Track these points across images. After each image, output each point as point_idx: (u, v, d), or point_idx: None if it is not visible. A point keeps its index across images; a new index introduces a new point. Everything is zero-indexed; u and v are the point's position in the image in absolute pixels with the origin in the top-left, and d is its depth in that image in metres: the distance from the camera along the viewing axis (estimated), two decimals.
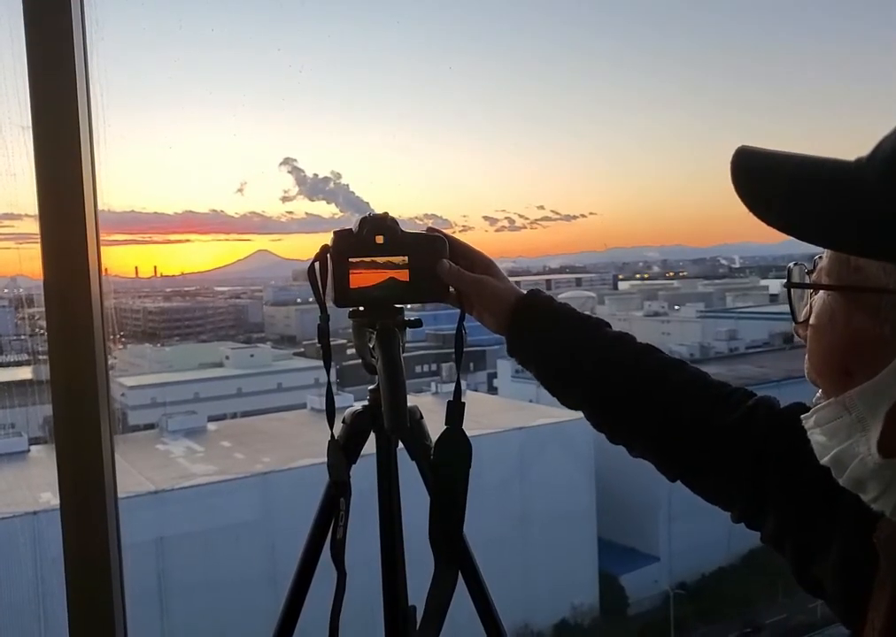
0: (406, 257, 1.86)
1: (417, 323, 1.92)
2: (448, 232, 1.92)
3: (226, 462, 23.52)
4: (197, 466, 23.15)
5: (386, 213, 1.87)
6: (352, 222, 1.89)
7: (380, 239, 1.85)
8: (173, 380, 36.41)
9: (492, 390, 39.33)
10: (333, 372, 1.88)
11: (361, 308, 1.90)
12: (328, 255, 1.86)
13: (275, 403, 35.30)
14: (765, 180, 1.18)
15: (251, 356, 45.47)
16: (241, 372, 41.35)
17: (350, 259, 1.85)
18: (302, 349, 55.02)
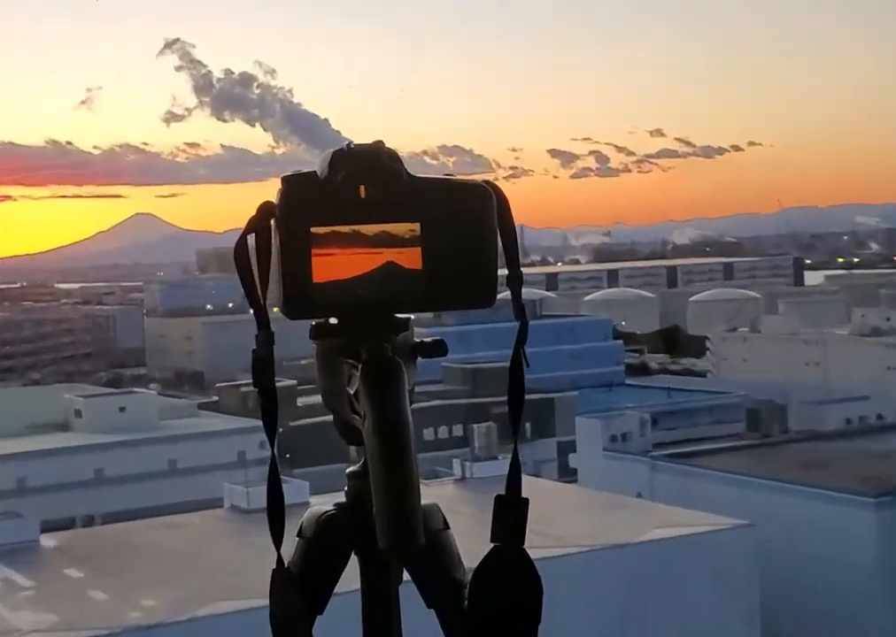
0: (418, 226, 1.48)
1: (436, 349, 1.55)
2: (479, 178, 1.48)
3: (74, 607, 17.76)
4: (21, 615, 17.41)
5: (380, 143, 1.47)
6: (314, 161, 1.49)
7: (368, 190, 1.46)
8: None
9: (567, 473, 30.51)
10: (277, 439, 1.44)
11: (333, 319, 1.53)
12: (274, 222, 1.48)
13: (167, 497, 27.18)
14: None
15: (122, 410, 33.88)
16: (103, 439, 30.80)
17: (313, 230, 1.47)
18: (214, 398, 44.48)
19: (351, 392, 1.53)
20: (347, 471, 1.67)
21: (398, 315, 1.57)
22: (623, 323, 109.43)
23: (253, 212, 1.52)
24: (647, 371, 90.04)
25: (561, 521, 19.87)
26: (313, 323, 1.58)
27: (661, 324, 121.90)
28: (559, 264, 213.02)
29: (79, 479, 29.40)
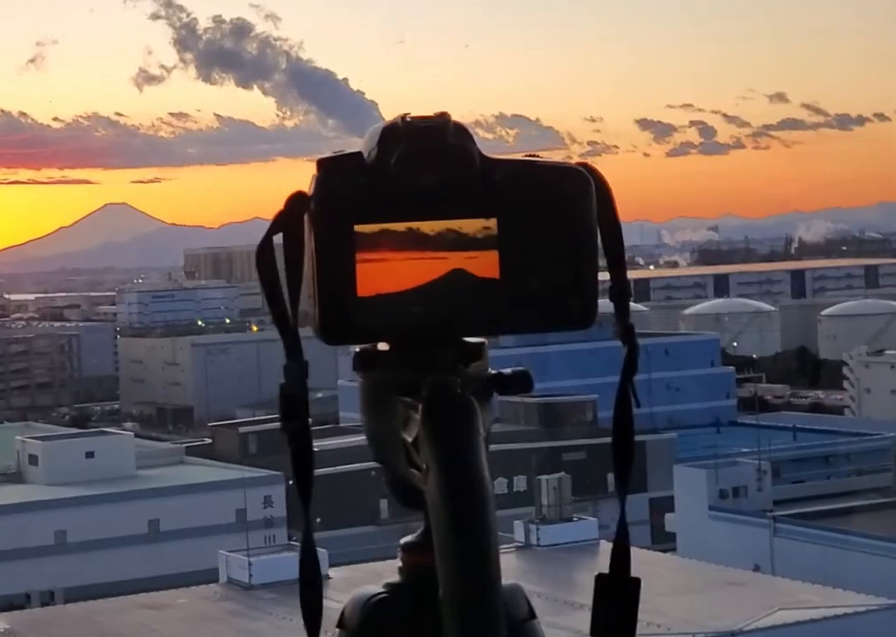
0: (495, 222, 1.49)
1: (519, 383, 1.56)
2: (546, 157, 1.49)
3: None
4: None
5: (444, 115, 1.48)
6: (357, 140, 1.49)
7: (430, 177, 1.47)
8: None
9: (663, 538, 30.00)
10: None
11: (384, 345, 1.54)
12: (308, 218, 1.48)
13: (146, 568, 27.50)
14: None
15: (89, 455, 34.50)
16: (66, 493, 31.22)
17: (357, 228, 1.48)
18: (206, 440, 44.97)
19: (409, 439, 1.52)
20: (401, 541, 1.68)
21: (469, 339, 1.57)
22: (735, 344, 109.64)
23: (282, 205, 1.52)
24: (766, 406, 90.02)
25: (658, 602, 19.94)
26: (357, 349, 1.58)
27: (784, 345, 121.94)
28: (651, 267, 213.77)
29: (35, 544, 29.36)
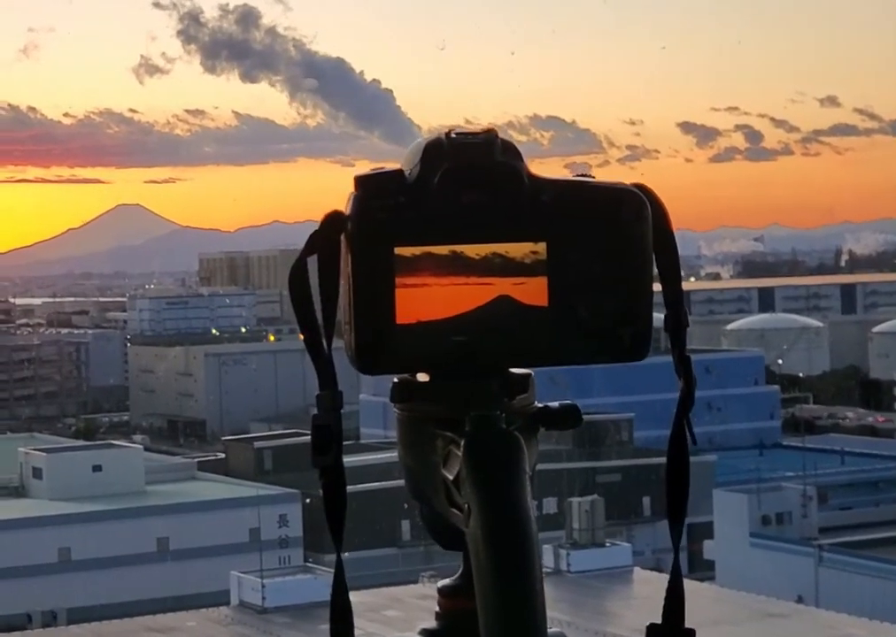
0: (544, 246, 1.48)
1: (567, 418, 1.56)
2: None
3: None
4: None
5: (491, 131, 1.48)
6: (400, 155, 1.50)
7: (475, 197, 1.46)
8: None
9: (701, 566, 29.85)
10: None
11: (424, 375, 1.54)
12: (344, 239, 1.48)
13: (154, 589, 27.75)
14: None
15: (96, 469, 35.04)
16: (71, 508, 31.30)
17: (397, 251, 1.46)
18: (219, 455, 45.73)
19: (450, 477, 1.51)
20: (439, 585, 1.65)
21: (514, 370, 1.56)
22: (780, 361, 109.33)
23: (319, 224, 1.51)
24: (812, 427, 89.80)
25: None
26: (396, 380, 1.57)
27: (833, 363, 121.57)
28: (692, 279, 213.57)
29: (38, 562, 29.41)
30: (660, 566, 35.11)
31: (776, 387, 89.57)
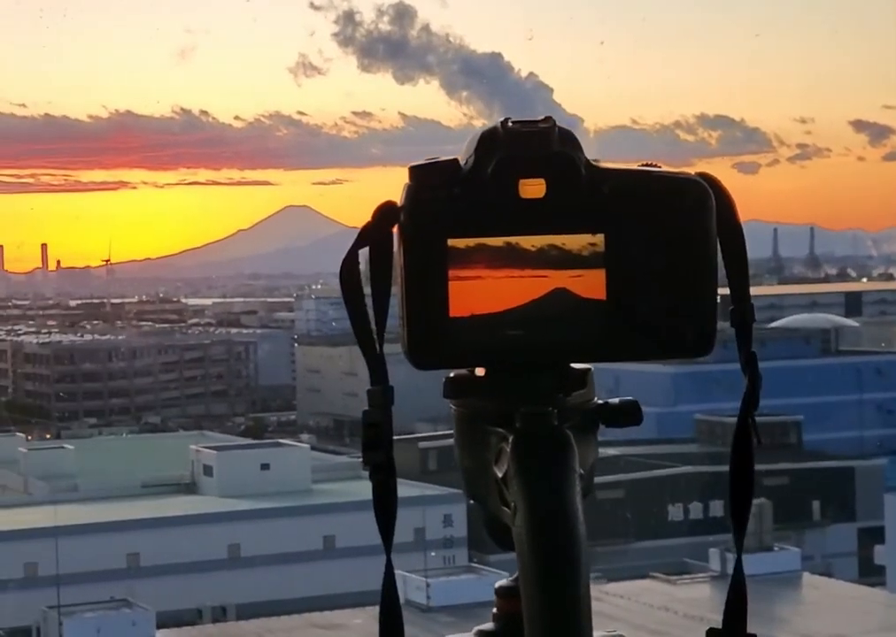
0: (602, 238, 1.42)
1: (627, 414, 1.51)
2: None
3: None
4: None
5: (549, 119, 1.42)
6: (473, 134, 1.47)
7: (534, 186, 1.41)
8: (84, 523, 30.55)
9: (872, 571, 29.99)
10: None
11: (479, 370, 1.50)
12: (397, 230, 1.45)
13: (320, 585, 28.47)
14: None
15: (264, 467, 36.17)
16: (240, 506, 32.43)
17: (450, 242, 1.43)
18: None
19: (500, 474, 1.47)
20: (496, 585, 1.61)
21: (574, 366, 1.50)
22: None
23: (370, 217, 1.49)
24: None
25: None
26: (450, 375, 1.53)
27: None
28: (864, 279, 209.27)
29: (208, 558, 30.23)
30: (830, 571, 34.64)
31: None
